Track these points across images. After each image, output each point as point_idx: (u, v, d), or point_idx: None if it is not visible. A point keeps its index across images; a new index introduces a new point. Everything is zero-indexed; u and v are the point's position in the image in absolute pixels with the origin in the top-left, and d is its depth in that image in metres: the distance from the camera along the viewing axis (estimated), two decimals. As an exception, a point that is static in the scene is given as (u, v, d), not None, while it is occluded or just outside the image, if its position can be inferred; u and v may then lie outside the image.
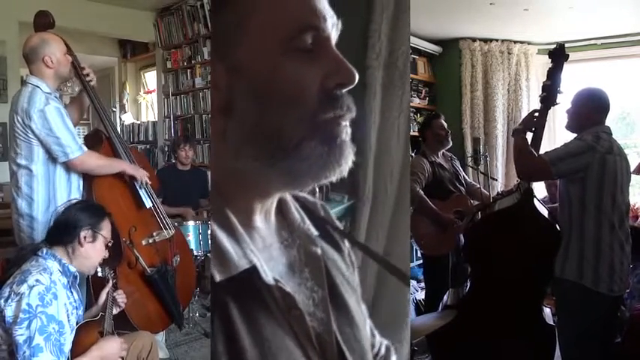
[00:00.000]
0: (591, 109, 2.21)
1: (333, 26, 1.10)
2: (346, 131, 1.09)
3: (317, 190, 1.25)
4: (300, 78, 1.05)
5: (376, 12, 1.40)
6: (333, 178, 1.07)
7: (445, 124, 3.44)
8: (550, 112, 2.29)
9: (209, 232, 3.38)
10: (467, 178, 3.62)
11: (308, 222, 1.23)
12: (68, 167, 2.31)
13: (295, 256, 1.18)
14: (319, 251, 1.21)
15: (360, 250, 1.33)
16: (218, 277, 1.04)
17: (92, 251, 1.85)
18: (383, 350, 1.32)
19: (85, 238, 1.83)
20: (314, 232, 1.22)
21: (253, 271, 1.07)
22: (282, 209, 1.19)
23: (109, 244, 1.92)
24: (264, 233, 1.14)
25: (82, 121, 3.05)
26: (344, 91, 1.08)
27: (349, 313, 1.23)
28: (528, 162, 2.22)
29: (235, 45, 1.07)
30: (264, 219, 1.15)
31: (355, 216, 1.50)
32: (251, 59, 1.07)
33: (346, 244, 1.30)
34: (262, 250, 1.12)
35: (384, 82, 1.39)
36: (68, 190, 2.34)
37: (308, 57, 1.06)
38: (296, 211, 1.22)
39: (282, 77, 1.05)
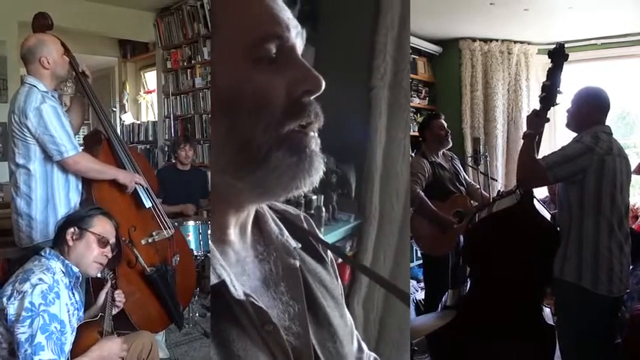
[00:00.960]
0: (591, 108, 2.20)
1: (297, 35, 1.09)
2: (315, 141, 1.07)
3: (303, 203, 1.24)
4: (266, 88, 1.05)
5: (380, 33, 1.42)
6: (305, 189, 1.06)
7: (445, 124, 3.42)
8: (551, 111, 2.29)
9: (209, 232, 3.38)
10: (467, 178, 3.61)
11: (286, 234, 1.21)
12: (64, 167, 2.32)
13: (271, 270, 1.16)
14: (297, 263, 1.19)
15: (359, 270, 1.31)
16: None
17: (82, 249, 1.83)
18: None
19: (72, 236, 1.83)
20: (293, 244, 1.20)
21: (222, 285, 1.05)
22: (258, 222, 1.18)
23: (108, 242, 1.88)
24: (237, 247, 1.13)
25: (82, 121, 3.05)
26: (311, 98, 1.06)
27: (331, 327, 1.21)
28: (526, 169, 2.22)
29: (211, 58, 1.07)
30: (238, 233, 1.14)
31: (362, 236, 1.50)
32: (219, 71, 1.08)
33: (329, 255, 1.28)
34: (234, 265, 1.10)
35: (389, 102, 1.42)
36: (66, 190, 2.35)
37: (273, 67, 1.05)
38: (274, 224, 1.20)
39: (248, 88, 1.05)
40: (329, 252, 1.27)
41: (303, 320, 1.15)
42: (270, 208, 1.23)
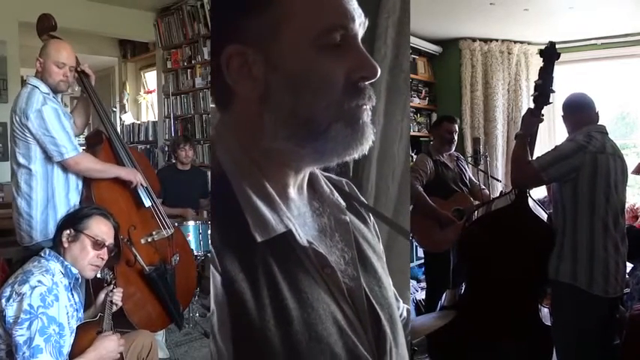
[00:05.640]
0: (571, 111, 2.25)
1: (360, 25, 1.24)
2: (367, 114, 1.24)
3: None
4: (329, 71, 1.21)
5: (382, 16, 1.48)
6: (356, 155, 1.25)
7: (455, 129, 3.46)
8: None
9: (209, 232, 3.38)
10: (472, 178, 3.63)
11: (336, 194, 1.38)
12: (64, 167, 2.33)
13: (326, 223, 1.34)
14: (347, 219, 1.36)
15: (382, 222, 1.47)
16: (259, 239, 1.23)
17: (77, 251, 1.82)
18: (405, 313, 1.47)
19: (67, 237, 1.82)
20: (342, 203, 1.38)
21: (289, 234, 1.25)
22: (312, 183, 1.36)
23: (105, 244, 1.87)
24: (297, 203, 1.31)
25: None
26: (367, 83, 1.23)
27: (376, 274, 1.38)
28: (519, 170, 2.22)
29: (271, 42, 1.23)
30: (297, 191, 1.32)
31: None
32: (287, 55, 1.23)
33: (371, 218, 1.45)
34: (297, 218, 1.29)
35: (388, 85, 1.47)
36: (66, 190, 2.36)
37: (336, 52, 1.21)
38: (325, 185, 1.38)
39: (314, 71, 1.21)
40: (370, 215, 1.45)
41: (355, 265, 1.33)
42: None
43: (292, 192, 1.31)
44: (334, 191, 1.38)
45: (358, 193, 1.46)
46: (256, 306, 1.23)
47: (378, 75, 1.23)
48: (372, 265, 1.38)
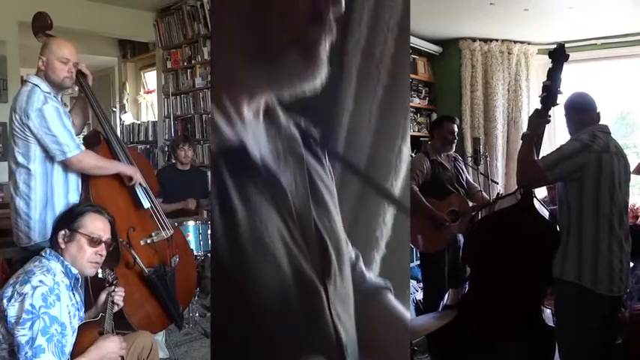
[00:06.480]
0: (573, 111, 2.25)
1: None
2: (325, 51, 1.29)
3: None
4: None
5: (357, 1, 1.49)
6: (307, 89, 1.32)
7: (456, 130, 3.45)
8: (551, 111, 2.29)
9: (209, 232, 3.37)
10: (469, 180, 3.63)
11: (293, 127, 1.43)
12: (66, 167, 2.32)
13: (280, 149, 1.41)
14: (302, 151, 1.42)
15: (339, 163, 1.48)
16: (215, 148, 1.33)
17: (75, 250, 1.81)
18: (353, 256, 1.48)
19: (63, 238, 1.81)
20: (298, 137, 1.43)
21: (244, 149, 1.33)
22: (270, 113, 1.42)
23: (101, 240, 1.85)
24: (253, 126, 1.39)
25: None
26: (330, 14, 1.29)
27: (327, 209, 1.42)
28: (525, 170, 2.23)
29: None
30: (252, 116, 1.39)
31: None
32: None
33: (326, 159, 1.47)
34: (252, 137, 1.37)
35: (361, 68, 1.47)
36: (66, 190, 2.35)
37: None
38: (283, 117, 1.43)
39: None
40: (325, 154, 1.48)
41: (306, 189, 1.40)
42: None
43: (246, 113, 1.38)
44: (291, 124, 1.43)
45: (314, 131, 1.47)
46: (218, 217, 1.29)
47: (343, 9, 1.27)
48: (323, 199, 1.42)
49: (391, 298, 1.40)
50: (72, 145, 2.26)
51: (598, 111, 2.25)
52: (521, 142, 2.33)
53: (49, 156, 2.27)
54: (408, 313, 1.41)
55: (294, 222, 1.36)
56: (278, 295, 1.42)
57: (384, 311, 1.40)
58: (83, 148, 2.34)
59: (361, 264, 1.45)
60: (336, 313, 1.40)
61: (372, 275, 1.43)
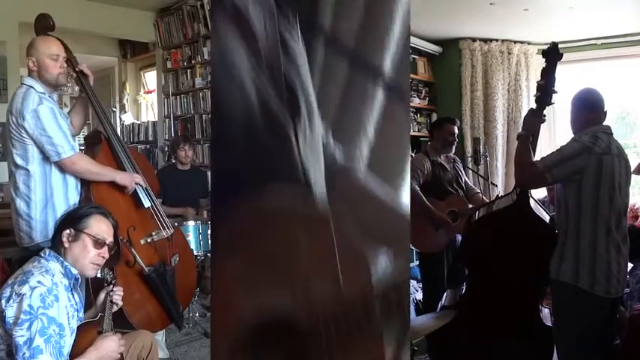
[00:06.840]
0: (583, 110, 2.21)
1: None
2: None
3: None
4: None
5: None
6: None
7: (456, 131, 3.46)
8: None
9: (209, 232, 3.38)
10: (468, 182, 3.64)
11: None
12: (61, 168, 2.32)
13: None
14: (274, 10, 1.36)
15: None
16: None
17: (78, 250, 1.81)
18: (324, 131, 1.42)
19: (67, 237, 1.81)
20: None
21: None
22: None
23: (105, 243, 1.86)
24: None
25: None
26: None
27: (297, 67, 1.36)
28: (524, 171, 2.22)
29: None
30: None
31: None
32: None
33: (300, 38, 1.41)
34: None
35: (326, 56, 1.41)
36: (65, 190, 2.35)
37: None
38: None
39: None
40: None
41: (275, 39, 1.34)
42: None
43: None
44: None
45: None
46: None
47: None
48: (294, 58, 1.36)
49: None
50: (66, 147, 2.26)
51: (605, 110, 2.23)
52: (518, 143, 2.32)
53: (46, 156, 2.28)
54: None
55: (262, 66, 1.32)
56: (245, 121, 1.35)
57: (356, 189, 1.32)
58: (77, 150, 2.34)
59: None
60: (306, 159, 1.34)
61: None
